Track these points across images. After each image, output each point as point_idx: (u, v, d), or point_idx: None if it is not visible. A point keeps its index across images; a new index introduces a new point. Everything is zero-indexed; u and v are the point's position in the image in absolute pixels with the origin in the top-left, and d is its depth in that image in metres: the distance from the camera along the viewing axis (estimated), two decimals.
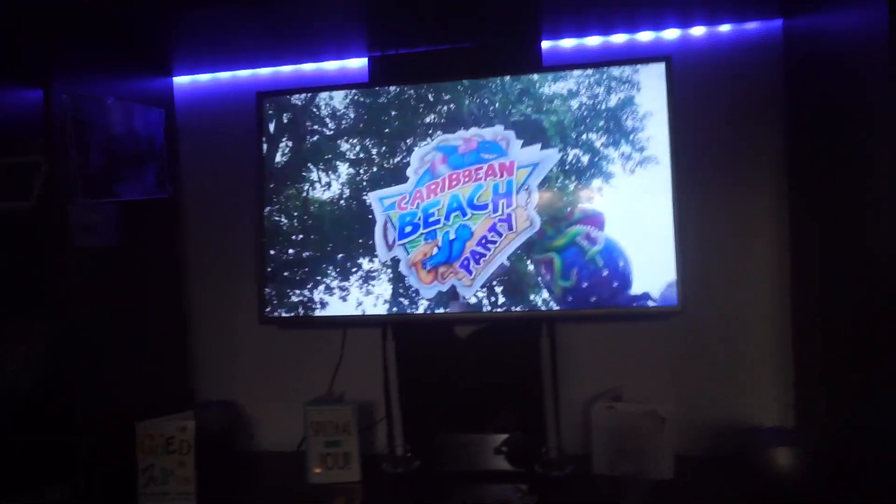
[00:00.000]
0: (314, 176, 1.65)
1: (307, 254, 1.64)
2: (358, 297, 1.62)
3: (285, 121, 1.67)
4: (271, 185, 1.67)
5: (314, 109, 1.65)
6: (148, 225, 1.71)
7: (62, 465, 1.43)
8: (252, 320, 1.71)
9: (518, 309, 1.55)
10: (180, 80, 1.85)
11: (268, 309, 1.66)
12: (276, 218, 1.66)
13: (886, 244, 1.17)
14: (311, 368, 1.83)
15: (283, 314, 1.66)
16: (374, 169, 1.62)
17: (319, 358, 1.82)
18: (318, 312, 1.64)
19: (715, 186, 1.64)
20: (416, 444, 1.65)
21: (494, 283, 1.55)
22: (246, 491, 1.59)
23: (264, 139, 1.68)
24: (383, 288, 1.61)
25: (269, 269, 1.66)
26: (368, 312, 1.62)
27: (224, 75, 1.83)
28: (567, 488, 1.50)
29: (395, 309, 1.60)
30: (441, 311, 1.58)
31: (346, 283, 1.63)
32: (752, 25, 1.60)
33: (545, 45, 1.66)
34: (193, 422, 1.49)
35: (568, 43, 1.67)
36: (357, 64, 1.76)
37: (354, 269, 1.62)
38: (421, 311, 1.59)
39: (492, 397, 1.66)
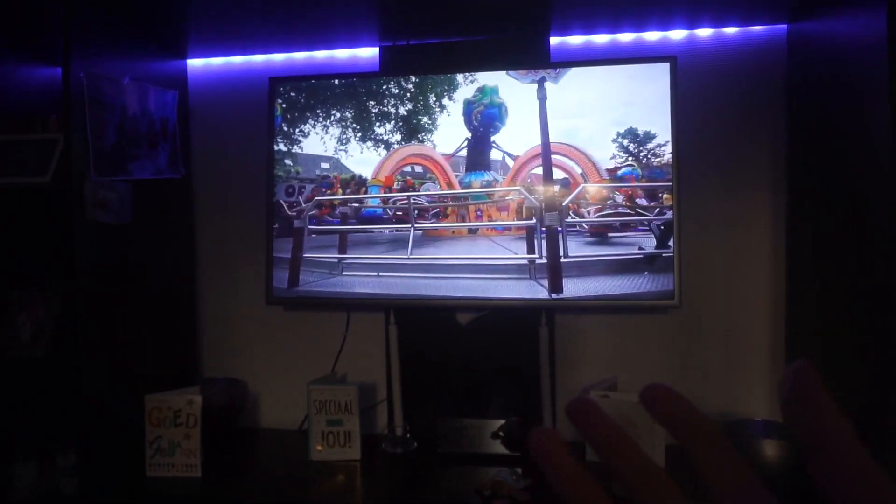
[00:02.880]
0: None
1: None
2: None
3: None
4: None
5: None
6: (160, 203, 1.74)
7: (69, 432, 1.47)
8: (259, 300, 1.75)
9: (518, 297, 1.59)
10: (194, 63, 1.88)
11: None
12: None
13: (881, 245, 1.20)
14: (315, 349, 1.87)
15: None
16: None
17: (324, 339, 1.86)
18: None
19: (715, 185, 1.68)
20: (416, 427, 1.69)
21: None
22: (248, 466, 1.64)
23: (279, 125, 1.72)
24: None
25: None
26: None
27: (237, 59, 1.86)
28: None
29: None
30: (443, 296, 1.62)
31: None
32: (757, 29, 1.64)
33: (554, 41, 1.69)
34: (200, 396, 1.53)
35: (576, 39, 1.70)
36: (368, 53, 1.79)
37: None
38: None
39: (491, 383, 1.71)
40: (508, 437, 1.64)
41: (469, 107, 1.62)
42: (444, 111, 1.62)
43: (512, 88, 1.61)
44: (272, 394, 1.91)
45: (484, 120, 1.61)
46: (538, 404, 1.62)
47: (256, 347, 1.92)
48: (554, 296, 1.56)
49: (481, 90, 1.61)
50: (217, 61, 1.88)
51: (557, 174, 1.58)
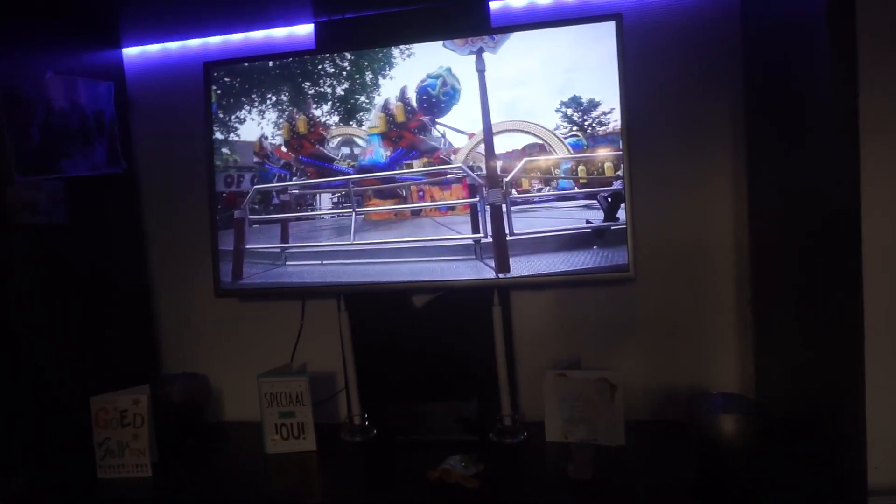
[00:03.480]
0: None
1: None
2: None
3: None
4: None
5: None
6: (103, 200, 1.70)
7: (19, 440, 1.45)
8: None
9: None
10: (130, 52, 1.81)
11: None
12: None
13: (841, 206, 1.12)
14: (274, 339, 1.84)
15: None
16: None
17: (283, 329, 1.82)
18: None
19: (670, 148, 1.60)
20: (374, 413, 1.66)
21: None
22: (205, 462, 1.62)
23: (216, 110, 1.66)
24: None
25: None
26: None
27: (173, 45, 1.79)
28: (518, 455, 1.51)
29: None
30: (394, 280, 1.56)
31: None
32: None
33: (494, 5, 1.61)
34: (146, 395, 1.51)
35: (518, 2, 1.61)
36: (305, 30, 1.71)
37: None
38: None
39: (448, 366, 1.66)
40: (468, 420, 1.60)
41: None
42: (377, 91, 1.55)
43: (450, 62, 1.53)
44: (234, 386, 1.88)
45: (420, 93, 1.54)
46: (496, 385, 1.57)
47: (216, 340, 1.89)
48: (501, 275, 1.50)
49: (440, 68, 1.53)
50: (153, 48, 1.81)
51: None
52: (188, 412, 1.78)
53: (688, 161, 1.59)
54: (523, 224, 1.49)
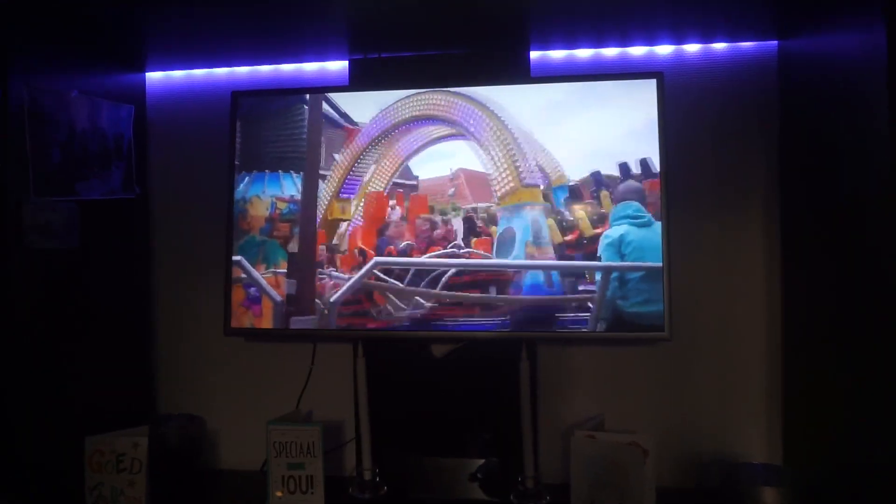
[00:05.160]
0: None
1: None
2: None
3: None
4: None
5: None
6: (113, 226, 1.62)
7: (6, 480, 1.33)
8: (220, 330, 1.62)
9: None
10: (153, 76, 1.77)
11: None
12: None
13: (881, 274, 1.11)
14: (280, 383, 1.74)
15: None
16: None
17: (289, 372, 1.73)
18: None
19: (705, 210, 1.59)
20: (386, 468, 1.56)
21: None
22: None
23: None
24: None
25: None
26: None
27: (199, 72, 1.75)
28: None
29: None
30: (415, 329, 1.50)
31: None
32: (747, 45, 1.56)
33: (534, 55, 1.60)
34: (146, 438, 1.40)
35: (557, 54, 1.61)
36: (337, 66, 1.69)
37: None
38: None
39: (468, 420, 1.58)
40: (487, 479, 1.52)
41: None
42: None
43: None
44: (233, 431, 1.77)
45: None
46: (519, 443, 1.49)
47: (217, 381, 1.79)
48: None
49: None
50: (178, 74, 1.76)
51: None
52: (183, 457, 1.66)
53: (724, 225, 1.58)
54: None
